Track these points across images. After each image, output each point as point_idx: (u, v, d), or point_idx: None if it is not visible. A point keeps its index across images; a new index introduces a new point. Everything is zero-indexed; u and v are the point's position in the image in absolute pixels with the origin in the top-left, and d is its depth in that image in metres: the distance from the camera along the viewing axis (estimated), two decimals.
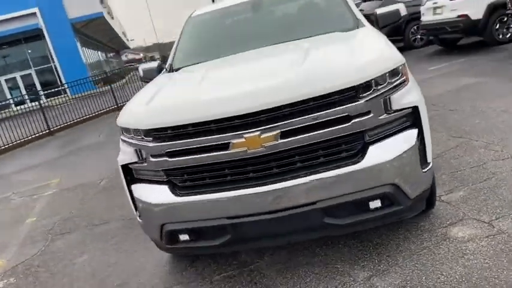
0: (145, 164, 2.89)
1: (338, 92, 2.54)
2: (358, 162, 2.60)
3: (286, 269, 3.13)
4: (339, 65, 2.71)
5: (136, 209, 3.13)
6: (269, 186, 2.63)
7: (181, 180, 2.84)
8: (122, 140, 3.10)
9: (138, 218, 3.16)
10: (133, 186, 3.06)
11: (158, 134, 2.79)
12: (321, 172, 2.61)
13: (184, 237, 2.91)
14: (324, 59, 2.97)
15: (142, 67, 4.36)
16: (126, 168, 3.08)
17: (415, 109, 2.71)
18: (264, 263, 3.29)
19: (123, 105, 4.85)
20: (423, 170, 2.76)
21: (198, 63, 3.87)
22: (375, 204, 2.67)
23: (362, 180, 2.60)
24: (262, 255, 3.38)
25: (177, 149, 2.74)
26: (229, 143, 2.61)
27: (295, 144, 2.58)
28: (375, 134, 2.64)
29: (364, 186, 2.61)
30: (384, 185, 2.62)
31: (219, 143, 2.63)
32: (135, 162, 2.97)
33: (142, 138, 2.86)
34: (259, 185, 2.66)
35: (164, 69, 4.13)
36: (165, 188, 2.87)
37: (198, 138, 2.67)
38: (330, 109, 2.54)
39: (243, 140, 2.57)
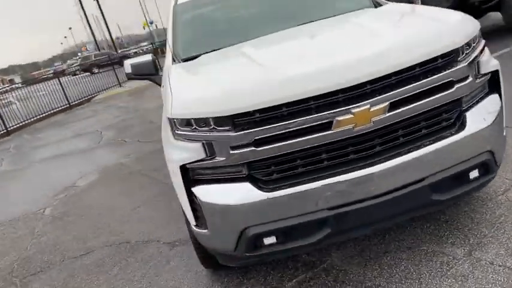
0: (221, 159, 2.40)
1: (442, 56, 2.38)
2: (460, 131, 2.46)
3: (368, 261, 2.86)
4: (432, 30, 2.55)
5: (197, 219, 2.60)
6: (375, 167, 2.36)
7: (268, 173, 2.42)
8: (176, 136, 2.55)
9: (198, 229, 2.62)
10: (195, 190, 2.53)
11: (242, 120, 2.34)
12: (425, 146, 2.41)
13: (270, 240, 2.48)
14: (409, 26, 2.81)
15: (130, 62, 3.72)
16: (184, 169, 2.54)
17: (496, 72, 2.67)
18: (336, 259, 2.98)
19: None
20: (504, 134, 2.73)
21: (217, 49, 3.42)
22: (474, 174, 2.55)
23: (465, 149, 2.47)
24: (326, 253, 3.06)
25: (267, 135, 2.33)
26: (333, 121, 2.28)
27: (401, 117, 2.35)
28: (470, 100, 2.54)
29: (467, 155, 2.47)
30: (483, 152, 2.52)
31: (321, 122, 2.28)
32: (201, 160, 2.46)
33: (214, 128, 2.38)
34: (364, 167, 2.36)
35: (172, 61, 3.57)
36: (246, 185, 2.41)
37: (293, 120, 2.29)
38: (435, 75, 2.37)
39: (351, 116, 2.26)
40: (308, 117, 2.28)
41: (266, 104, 2.29)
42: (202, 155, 2.43)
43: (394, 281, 2.63)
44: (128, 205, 5.12)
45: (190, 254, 3.45)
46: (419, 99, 2.36)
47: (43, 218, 5.53)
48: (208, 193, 2.49)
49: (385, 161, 2.37)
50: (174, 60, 3.54)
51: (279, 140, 2.33)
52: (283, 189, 2.38)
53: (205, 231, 2.58)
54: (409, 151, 2.39)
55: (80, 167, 7.60)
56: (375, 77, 2.27)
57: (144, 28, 62.11)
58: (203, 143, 2.42)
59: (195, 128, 2.44)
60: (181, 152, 2.52)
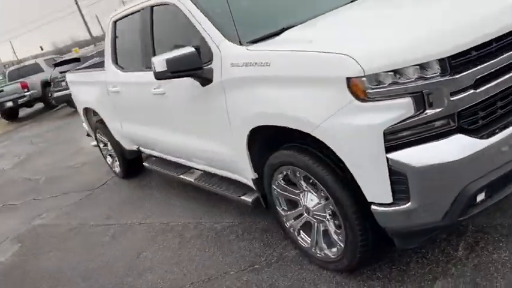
0: (433, 111, 2.00)
1: None
2: None
3: None
4: None
5: (394, 194, 2.14)
6: None
7: (479, 118, 2.11)
8: (370, 96, 2.04)
9: (392, 207, 2.15)
10: (395, 157, 2.07)
11: (459, 61, 1.98)
12: None
13: (481, 196, 2.19)
14: None
15: (165, 57, 2.87)
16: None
17: None
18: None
19: None
20: None
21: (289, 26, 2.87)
22: None
23: None
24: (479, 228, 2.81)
25: (485, 74, 2.03)
26: None
27: None
28: None
29: None
30: None
31: None
32: (409, 118, 2.02)
33: (422, 76, 1.97)
34: None
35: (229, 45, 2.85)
36: (460, 137, 2.04)
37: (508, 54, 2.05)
38: None
39: None
40: None
41: (480, 39, 2.00)
42: (411, 112, 2.01)
43: None
44: None
45: None
46: None
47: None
48: (417, 156, 2.05)
49: None
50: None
51: (495, 77, 2.06)
52: (497, 133, 2.11)
53: (406, 205, 2.13)
54: None
55: None
56: None
57: None
58: (413, 97, 1.99)
59: (395, 82, 2.00)
60: (381, 114, 2.04)
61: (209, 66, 2.94)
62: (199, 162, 3.83)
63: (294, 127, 2.40)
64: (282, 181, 2.79)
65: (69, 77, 6.03)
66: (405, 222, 2.20)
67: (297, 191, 2.75)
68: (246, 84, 2.65)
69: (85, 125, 6.13)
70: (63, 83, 13.00)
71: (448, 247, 2.61)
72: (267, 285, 2.79)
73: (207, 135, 3.29)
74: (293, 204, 2.89)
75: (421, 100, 1.97)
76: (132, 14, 4.12)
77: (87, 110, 5.79)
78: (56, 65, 13.72)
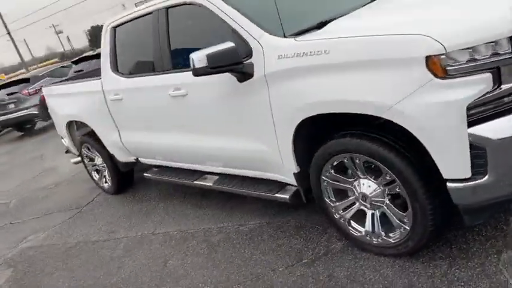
0: (509, 86, 2.12)
1: None
2: None
3: None
4: None
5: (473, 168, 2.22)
6: None
7: None
8: (451, 73, 2.11)
9: (469, 182, 2.23)
10: (476, 131, 2.16)
11: None
12: None
13: None
14: None
15: (205, 52, 2.82)
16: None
17: None
18: None
19: None
20: None
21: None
22: None
23: None
24: None
25: None
26: None
27: None
28: None
29: None
30: None
31: None
32: (486, 94, 2.11)
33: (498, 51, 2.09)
34: None
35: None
36: None
37: None
38: None
39: None
40: None
41: None
42: (490, 86, 2.12)
43: None
44: None
45: None
46: None
47: None
48: (495, 129, 2.14)
49: None
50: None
51: None
52: None
53: (483, 180, 2.21)
54: None
55: None
56: None
57: None
58: (491, 72, 2.11)
59: (473, 59, 2.11)
60: (462, 90, 2.13)
61: (249, 61, 2.92)
62: (217, 165, 3.76)
63: (360, 112, 2.43)
64: (333, 171, 2.80)
65: (47, 90, 5.72)
66: (480, 197, 2.29)
67: (349, 180, 2.77)
68: (298, 74, 2.66)
69: (66, 141, 5.81)
70: (11, 106, 12.33)
71: (499, 224, 2.73)
72: (325, 276, 2.77)
73: (241, 133, 3.25)
74: (341, 194, 2.91)
75: (497, 75, 2.08)
76: (137, 18, 4.02)
77: (70, 124, 5.49)
78: (2, 87, 12.99)
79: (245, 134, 3.22)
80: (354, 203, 2.85)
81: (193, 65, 2.88)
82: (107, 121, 4.64)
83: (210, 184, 3.87)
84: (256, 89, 2.94)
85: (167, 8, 3.63)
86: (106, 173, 5.38)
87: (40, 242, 4.76)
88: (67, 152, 6.11)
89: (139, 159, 4.73)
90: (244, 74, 2.94)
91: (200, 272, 3.25)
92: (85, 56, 11.55)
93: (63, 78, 6.57)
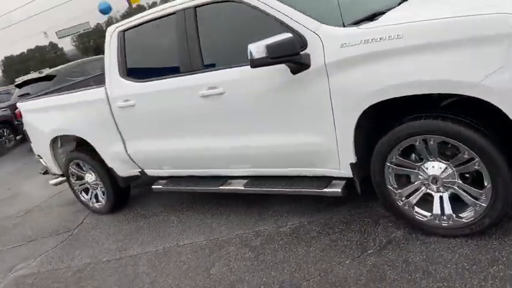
0: None
1: None
2: None
3: None
4: None
5: None
6: None
7: None
8: None
9: None
10: None
11: None
12: None
13: None
14: None
15: (264, 43, 2.76)
16: None
17: None
18: None
19: None
20: None
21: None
22: None
23: None
24: None
25: None
26: None
27: None
28: None
29: None
30: None
31: None
32: None
33: None
34: None
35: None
36: None
37: None
38: None
39: None
40: None
41: None
42: None
43: None
44: None
45: None
46: None
47: None
48: None
49: None
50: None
51: None
52: None
53: None
54: None
55: None
56: None
57: None
58: None
59: None
60: None
61: (304, 52, 2.92)
62: (247, 166, 3.68)
63: (441, 91, 2.50)
64: (399, 156, 2.83)
65: (24, 105, 5.27)
66: None
67: (416, 164, 2.81)
68: (365, 60, 2.69)
69: (45, 161, 5.36)
70: None
71: None
72: (401, 263, 2.75)
73: (289, 128, 3.20)
74: (401, 181, 2.94)
75: None
76: (153, 20, 3.87)
77: (54, 141, 5.08)
78: None
79: (295, 128, 3.17)
80: (419, 188, 2.87)
81: (252, 56, 2.82)
82: (109, 131, 4.36)
83: (242, 188, 3.73)
84: (314, 80, 2.92)
85: (195, 7, 3.53)
86: (98, 192, 5.01)
87: (35, 269, 4.29)
88: (45, 173, 5.62)
89: (145, 171, 4.46)
90: (301, 65, 2.92)
91: (256, 274, 3.09)
92: (29, 79, 10.86)
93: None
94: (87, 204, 5.19)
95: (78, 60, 12.79)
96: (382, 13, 3.08)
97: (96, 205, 5.07)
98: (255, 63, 2.85)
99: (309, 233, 3.39)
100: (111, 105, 4.19)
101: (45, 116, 4.98)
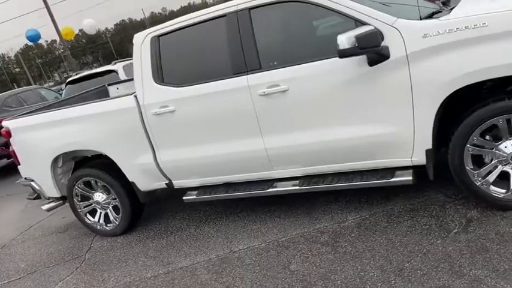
0: None
1: None
2: None
3: None
4: None
5: None
6: None
7: None
8: None
9: None
10: None
11: None
12: None
13: None
14: None
15: (352, 34, 2.88)
16: None
17: None
18: None
19: None
20: None
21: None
22: None
23: None
24: None
25: None
26: None
27: None
28: None
29: None
30: None
31: None
32: None
33: None
34: None
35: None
36: None
37: None
38: None
39: None
40: None
41: None
42: None
43: None
44: None
45: None
46: None
47: None
48: None
49: None
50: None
51: None
52: None
53: None
54: None
55: None
56: None
57: None
58: None
59: None
60: None
61: (382, 44, 3.10)
62: (297, 166, 3.70)
63: None
64: (480, 137, 3.06)
65: (17, 122, 4.80)
66: None
67: (495, 143, 3.06)
68: (449, 49, 2.92)
69: (40, 183, 4.88)
70: None
71: None
72: (494, 235, 2.93)
73: (363, 120, 3.30)
74: (478, 162, 3.16)
75: None
76: (196, 24, 3.84)
77: (56, 159, 4.68)
78: None
79: (367, 119, 3.28)
80: (496, 166, 3.11)
81: (342, 46, 2.93)
82: (136, 142, 4.14)
83: (297, 187, 3.72)
84: (393, 70, 3.09)
85: (250, 9, 3.58)
86: (109, 212, 4.66)
87: None
88: (36, 198, 5.09)
89: (173, 182, 4.27)
90: (381, 56, 3.07)
91: (346, 264, 3.08)
92: None
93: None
94: (94, 227, 4.78)
95: (12, 91, 11.99)
96: (438, 12, 3.37)
97: (107, 227, 4.69)
98: (344, 54, 2.96)
99: (377, 224, 3.46)
100: (145, 112, 3.99)
101: (47, 132, 4.58)
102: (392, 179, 3.37)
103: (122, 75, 8.26)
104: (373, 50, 3.01)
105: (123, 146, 4.21)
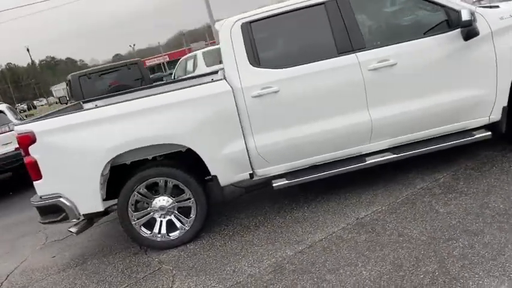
0: None
1: None
2: None
3: None
4: None
5: None
6: None
7: None
8: None
9: None
10: None
11: None
12: None
13: None
14: None
15: (469, 11, 3.79)
16: None
17: None
18: None
19: None
20: None
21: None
22: None
23: None
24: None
25: None
26: None
27: None
28: None
29: None
30: None
31: None
32: None
33: None
34: None
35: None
36: None
37: None
38: None
39: None
40: None
41: None
42: None
43: None
44: None
45: None
46: None
47: None
48: None
49: None
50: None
51: None
52: None
53: None
54: None
55: None
56: None
57: None
58: None
59: None
60: None
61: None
62: (388, 138, 4.20)
63: None
64: None
65: (49, 124, 4.03)
66: None
67: None
68: None
69: (77, 196, 4.11)
70: None
71: None
72: None
73: (457, 85, 4.07)
74: None
75: None
76: (292, 11, 4.14)
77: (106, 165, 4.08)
78: None
79: (461, 85, 4.06)
80: None
81: (466, 17, 3.76)
82: (226, 129, 4.01)
83: (394, 155, 4.16)
84: (482, 44, 4.01)
85: None
86: (174, 218, 4.22)
87: None
88: (62, 219, 4.18)
89: (257, 171, 4.21)
90: (475, 33, 3.95)
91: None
92: None
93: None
94: (151, 241, 4.19)
95: None
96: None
97: (172, 235, 4.19)
98: (466, 24, 3.76)
99: (424, 198, 3.95)
100: (243, 96, 3.97)
101: (99, 130, 3.97)
102: (476, 136, 4.14)
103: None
104: (472, 26, 3.86)
105: (209, 135, 3.99)
